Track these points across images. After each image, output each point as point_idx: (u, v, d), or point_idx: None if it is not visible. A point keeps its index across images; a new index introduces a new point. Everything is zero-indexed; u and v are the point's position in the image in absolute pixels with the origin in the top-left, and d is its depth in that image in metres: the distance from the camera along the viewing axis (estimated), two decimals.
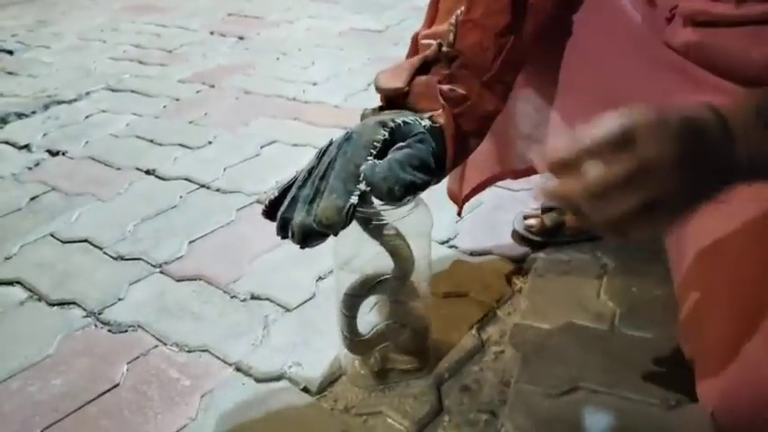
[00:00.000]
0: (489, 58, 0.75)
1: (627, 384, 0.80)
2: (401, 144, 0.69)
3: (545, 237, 1.09)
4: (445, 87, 0.74)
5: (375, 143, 0.69)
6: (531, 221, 1.10)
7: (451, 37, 0.75)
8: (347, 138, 0.70)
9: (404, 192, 0.67)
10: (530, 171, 0.94)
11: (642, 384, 0.80)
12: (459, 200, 0.99)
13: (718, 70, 0.74)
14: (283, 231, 0.70)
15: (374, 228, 0.74)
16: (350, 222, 0.67)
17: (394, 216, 0.75)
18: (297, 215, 0.68)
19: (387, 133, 0.69)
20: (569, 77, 0.85)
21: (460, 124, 0.74)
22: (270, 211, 0.72)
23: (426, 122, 0.71)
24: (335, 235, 0.67)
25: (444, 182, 1.01)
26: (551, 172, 0.55)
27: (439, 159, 0.71)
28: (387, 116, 0.72)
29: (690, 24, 0.75)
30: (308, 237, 0.67)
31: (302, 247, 0.69)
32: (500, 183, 1.23)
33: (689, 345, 0.69)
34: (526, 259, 1.06)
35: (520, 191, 1.24)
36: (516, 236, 1.11)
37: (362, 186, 0.66)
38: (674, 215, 0.55)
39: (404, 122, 0.70)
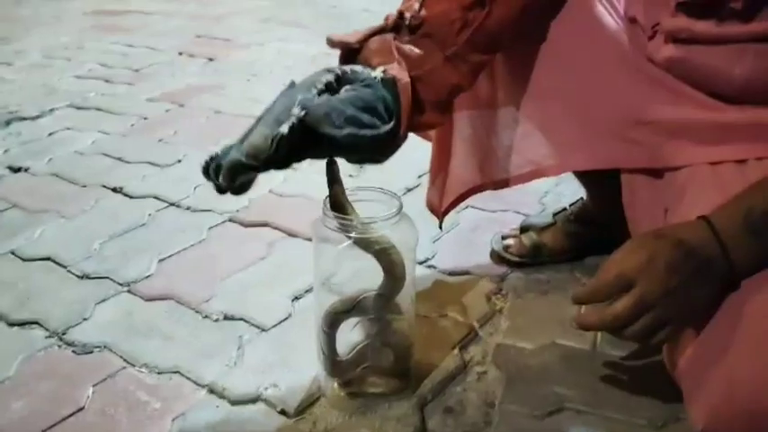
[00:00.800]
0: (454, 30, 0.73)
1: (612, 404, 0.79)
2: (347, 87, 0.65)
3: (523, 257, 1.08)
4: (404, 46, 0.71)
5: (317, 84, 0.65)
6: (510, 241, 1.10)
7: (417, 6, 0.72)
8: (291, 84, 0.67)
9: (344, 122, 0.62)
10: (510, 182, 0.93)
11: (627, 404, 0.79)
12: (440, 212, 0.97)
13: (699, 85, 0.75)
14: (206, 173, 0.65)
15: (366, 241, 0.72)
16: (280, 153, 0.61)
17: (377, 228, 0.73)
18: (227, 155, 0.63)
19: (332, 77, 0.65)
20: (546, 85, 0.85)
21: (417, 88, 0.70)
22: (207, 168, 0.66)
23: (378, 74, 0.67)
24: (263, 167, 0.62)
25: (421, 201, 1.00)
26: (579, 303, 0.70)
27: (389, 110, 0.67)
28: (344, 67, 0.68)
29: (671, 41, 0.76)
30: (235, 171, 0.62)
31: (232, 190, 0.64)
32: (477, 204, 1.23)
33: (675, 363, 0.68)
34: (505, 279, 1.05)
35: (497, 211, 1.24)
36: (495, 256, 1.10)
37: (296, 111, 0.61)
38: (683, 323, 0.64)
39: (351, 70, 0.66)
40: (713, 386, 0.62)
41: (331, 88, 0.65)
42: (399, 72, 0.69)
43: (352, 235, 0.72)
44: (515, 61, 0.86)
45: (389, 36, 0.73)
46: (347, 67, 0.67)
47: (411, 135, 0.74)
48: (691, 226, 0.65)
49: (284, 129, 0.61)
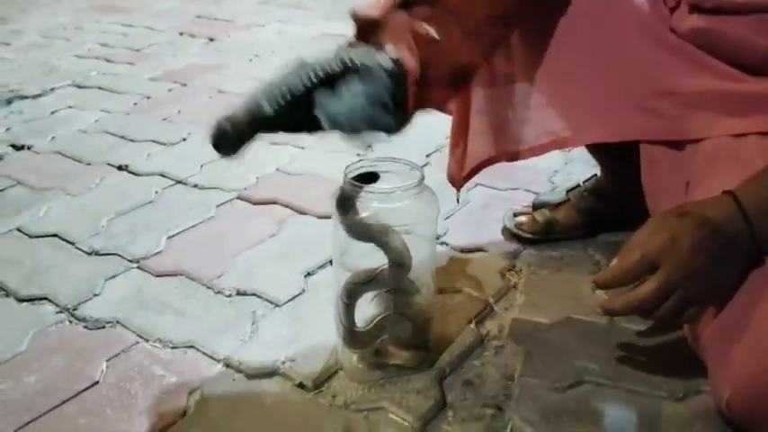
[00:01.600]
0: (474, 3, 0.72)
1: (631, 377, 0.78)
2: (356, 79, 0.67)
3: (536, 234, 1.07)
4: (420, 26, 0.70)
5: (323, 70, 0.66)
6: (522, 219, 1.09)
7: None
8: (300, 62, 0.68)
9: (360, 122, 0.66)
10: (526, 153, 0.92)
11: (646, 377, 0.78)
12: (459, 183, 0.97)
13: (722, 56, 0.74)
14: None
15: (354, 225, 0.72)
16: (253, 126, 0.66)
17: (400, 200, 0.72)
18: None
19: (341, 67, 0.66)
20: (565, 58, 0.83)
21: (427, 70, 0.70)
22: None
23: (386, 63, 0.67)
24: (234, 138, 0.67)
25: (430, 178, 0.99)
26: (602, 288, 0.70)
27: (397, 102, 0.68)
28: (353, 53, 0.68)
29: (696, 11, 0.75)
30: (219, 137, 0.67)
31: (218, 151, 0.69)
32: (487, 182, 1.22)
33: (697, 336, 0.68)
34: (518, 256, 1.04)
35: (507, 190, 1.23)
36: (507, 233, 1.09)
37: (322, 116, 0.64)
38: (711, 301, 0.64)
39: (361, 63, 0.67)
40: (739, 358, 0.62)
41: (337, 76, 0.66)
42: (409, 60, 0.69)
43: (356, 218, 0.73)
44: (533, 35, 0.85)
45: (410, 16, 0.71)
46: (356, 56, 0.67)
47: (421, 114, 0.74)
48: (716, 202, 0.64)
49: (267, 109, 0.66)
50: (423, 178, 0.74)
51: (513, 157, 0.94)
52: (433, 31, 0.71)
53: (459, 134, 0.94)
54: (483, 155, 0.94)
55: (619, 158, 0.98)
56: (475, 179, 0.98)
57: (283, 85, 0.66)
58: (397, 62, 0.68)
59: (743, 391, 0.62)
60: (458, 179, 0.97)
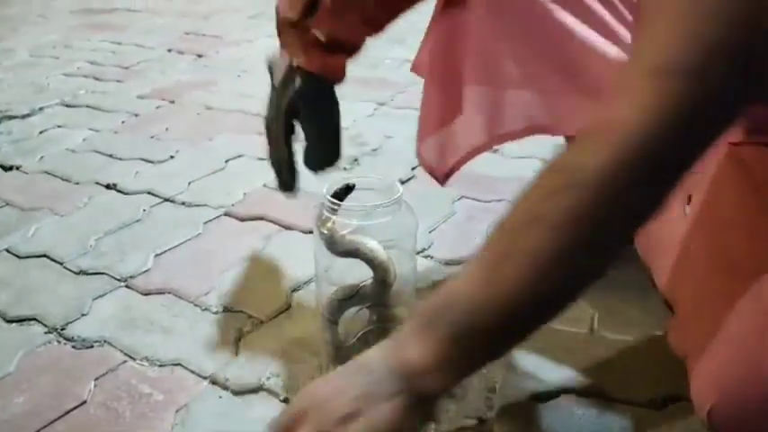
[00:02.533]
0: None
1: (612, 387, 0.80)
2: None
3: None
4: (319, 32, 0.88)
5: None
6: None
7: None
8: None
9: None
10: (512, 135, 0.90)
11: (627, 387, 0.80)
12: (442, 172, 0.95)
13: None
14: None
15: (336, 242, 0.74)
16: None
17: (379, 217, 0.74)
18: None
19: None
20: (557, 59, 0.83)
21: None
22: None
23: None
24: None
25: (416, 193, 1.00)
26: None
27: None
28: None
29: None
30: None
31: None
32: (471, 194, 1.24)
33: (683, 342, 0.69)
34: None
35: (491, 201, 1.24)
36: None
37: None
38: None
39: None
40: (722, 366, 0.62)
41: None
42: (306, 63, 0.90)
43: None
44: (519, 36, 0.85)
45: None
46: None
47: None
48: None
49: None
50: (401, 194, 0.76)
51: (504, 138, 0.91)
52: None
53: (444, 115, 0.91)
54: (475, 142, 0.90)
55: None
56: (460, 191, 0.99)
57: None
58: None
59: (726, 401, 0.62)
60: (441, 168, 0.94)
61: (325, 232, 0.75)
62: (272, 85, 0.92)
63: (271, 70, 0.90)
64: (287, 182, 0.93)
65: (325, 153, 0.92)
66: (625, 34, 0.80)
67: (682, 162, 0.49)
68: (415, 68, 0.99)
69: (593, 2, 0.81)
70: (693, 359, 0.65)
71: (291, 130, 0.90)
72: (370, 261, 0.75)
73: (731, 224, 0.66)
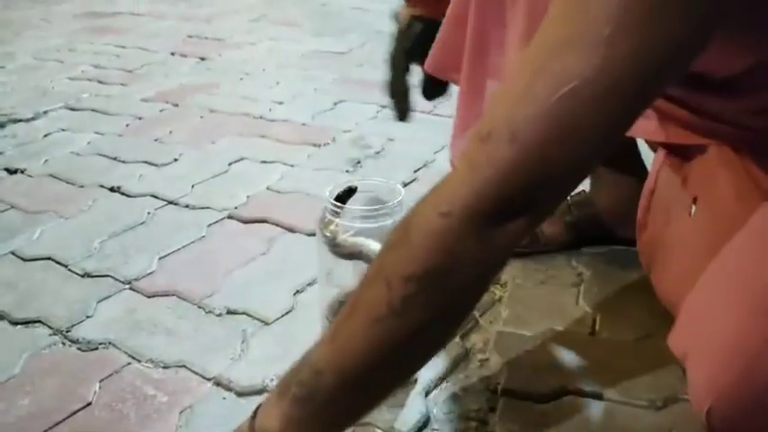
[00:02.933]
0: None
1: (613, 387, 0.80)
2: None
3: (522, 246, 1.09)
4: None
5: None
6: None
7: None
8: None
9: None
10: None
11: (628, 387, 0.80)
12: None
13: None
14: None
15: (340, 244, 0.74)
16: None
17: (380, 221, 0.74)
18: None
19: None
20: None
21: None
22: None
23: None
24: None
25: (418, 195, 1.01)
26: None
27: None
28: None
29: None
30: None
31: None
32: None
33: (682, 344, 0.70)
34: (504, 269, 1.06)
35: None
36: None
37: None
38: None
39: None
40: (720, 366, 0.63)
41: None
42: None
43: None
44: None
45: None
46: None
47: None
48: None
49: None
50: (403, 197, 0.76)
51: None
52: None
53: (473, 113, 0.95)
54: None
55: (609, 176, 1.01)
56: None
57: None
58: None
59: (724, 400, 0.63)
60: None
61: (328, 235, 0.76)
62: (397, 30, 1.06)
63: (396, 18, 1.08)
64: (403, 110, 1.06)
65: (437, 85, 1.05)
66: None
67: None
68: (431, 66, 1.01)
69: None
70: (692, 361, 0.66)
71: (408, 68, 1.05)
72: (364, 256, 0.76)
73: (731, 227, 0.66)
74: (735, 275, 0.63)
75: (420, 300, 0.49)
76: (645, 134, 0.79)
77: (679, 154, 0.81)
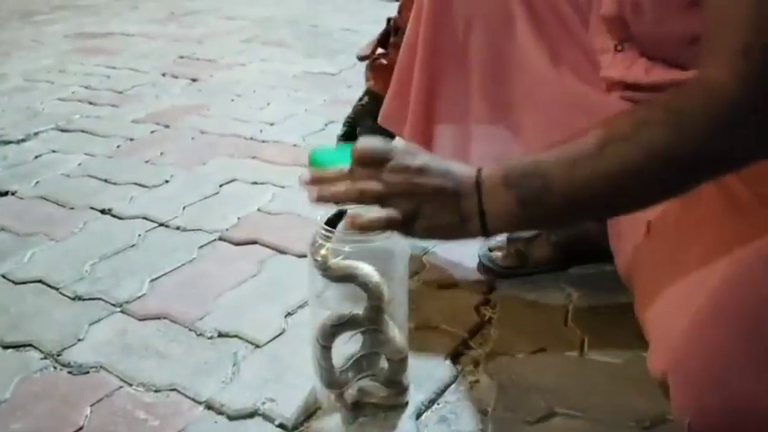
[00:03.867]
0: None
1: (601, 408, 0.81)
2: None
3: (510, 268, 1.10)
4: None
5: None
6: (497, 253, 1.12)
7: (396, 12, 1.15)
8: None
9: None
10: None
11: (615, 408, 0.81)
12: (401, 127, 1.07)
13: None
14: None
15: (331, 268, 0.76)
16: None
17: (371, 243, 0.75)
18: None
19: None
20: (524, 99, 0.90)
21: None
22: None
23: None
24: None
25: None
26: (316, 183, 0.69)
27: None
28: None
29: (613, 89, 0.81)
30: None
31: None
32: None
33: (659, 364, 0.71)
34: (493, 290, 1.07)
35: None
36: (482, 267, 1.12)
37: None
38: (428, 231, 0.65)
39: None
40: (699, 382, 0.64)
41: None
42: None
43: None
44: (494, 75, 0.91)
45: None
46: None
47: None
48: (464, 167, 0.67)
49: None
50: None
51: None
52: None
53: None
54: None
55: None
56: None
57: None
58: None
59: (703, 415, 0.64)
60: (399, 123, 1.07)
61: (319, 259, 0.76)
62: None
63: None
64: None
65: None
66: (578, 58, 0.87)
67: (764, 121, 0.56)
68: (382, 120, 1.13)
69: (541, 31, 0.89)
70: (669, 378, 0.67)
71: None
72: (364, 285, 0.77)
73: (686, 248, 0.68)
74: (698, 288, 0.65)
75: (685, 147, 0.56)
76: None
77: None
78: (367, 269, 0.77)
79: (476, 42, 0.95)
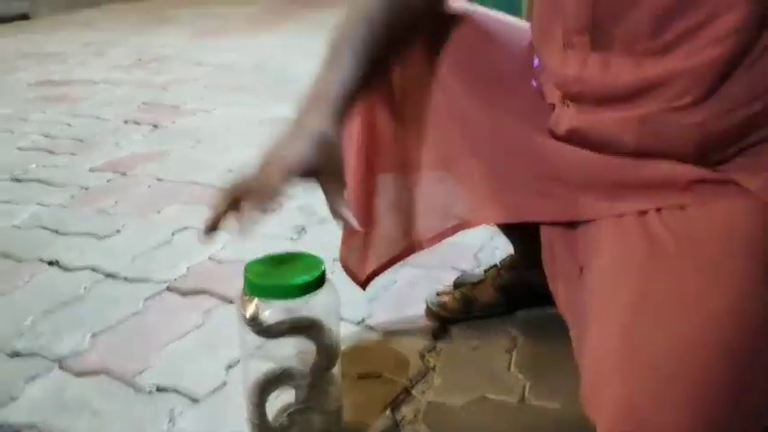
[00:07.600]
0: None
1: None
2: None
3: (456, 313, 1.10)
4: None
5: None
6: (444, 298, 1.12)
7: None
8: None
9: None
10: (434, 240, 0.96)
11: None
12: (362, 278, 1.00)
13: (600, 150, 0.80)
14: None
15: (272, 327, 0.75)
16: None
17: (302, 299, 0.75)
18: None
19: None
20: (464, 146, 0.89)
21: None
22: None
23: None
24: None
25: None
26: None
27: None
28: None
29: (568, 99, 0.81)
30: None
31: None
32: (413, 261, 1.25)
33: (589, 406, 0.70)
34: (439, 336, 1.07)
35: (433, 268, 1.26)
36: (429, 312, 1.12)
37: None
38: None
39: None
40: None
41: None
42: None
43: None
44: (434, 125, 0.91)
45: None
46: None
47: None
48: None
49: None
50: (324, 272, 0.77)
51: (426, 244, 0.98)
52: None
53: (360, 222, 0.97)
54: (396, 248, 0.98)
55: (527, 236, 1.03)
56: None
57: None
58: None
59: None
60: (360, 274, 1.00)
61: (248, 317, 0.75)
62: None
63: None
64: None
65: None
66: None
67: None
68: (350, 271, 1.04)
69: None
70: (600, 424, 0.67)
71: None
72: (319, 341, 0.76)
73: (615, 291, 0.69)
74: (629, 333, 0.65)
75: None
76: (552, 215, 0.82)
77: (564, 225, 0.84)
78: (319, 323, 0.76)
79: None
